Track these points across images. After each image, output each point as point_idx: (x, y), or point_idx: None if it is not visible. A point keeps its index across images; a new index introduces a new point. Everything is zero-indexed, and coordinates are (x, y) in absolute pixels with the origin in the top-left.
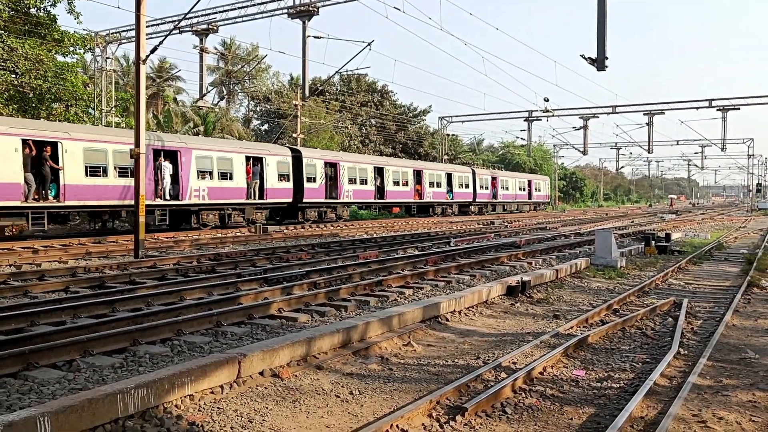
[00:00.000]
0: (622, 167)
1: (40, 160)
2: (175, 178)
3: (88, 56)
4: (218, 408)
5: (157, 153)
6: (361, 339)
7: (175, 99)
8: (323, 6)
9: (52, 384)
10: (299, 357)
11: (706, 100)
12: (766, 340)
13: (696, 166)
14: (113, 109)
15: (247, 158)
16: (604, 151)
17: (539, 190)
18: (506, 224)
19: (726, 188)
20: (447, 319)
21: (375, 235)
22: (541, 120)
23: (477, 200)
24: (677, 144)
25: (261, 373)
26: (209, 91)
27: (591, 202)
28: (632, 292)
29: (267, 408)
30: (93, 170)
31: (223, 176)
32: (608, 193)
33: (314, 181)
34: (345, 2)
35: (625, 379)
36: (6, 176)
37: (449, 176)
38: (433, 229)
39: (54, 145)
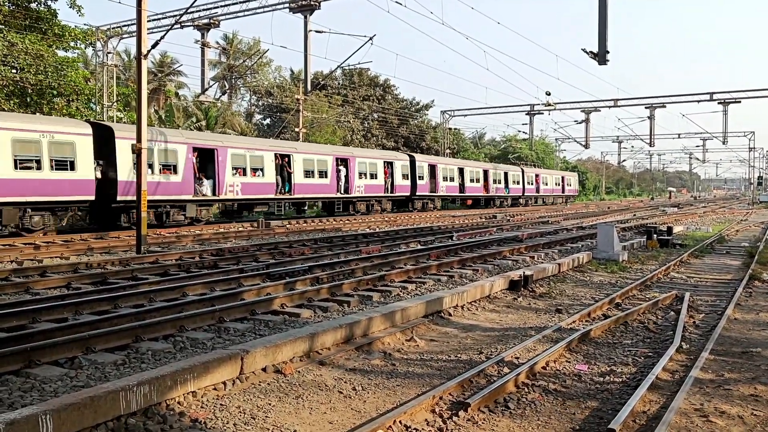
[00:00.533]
0: (623, 161)
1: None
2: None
3: (90, 51)
4: (221, 405)
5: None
6: (364, 334)
7: (176, 94)
8: (325, 0)
9: (54, 381)
10: (302, 353)
11: (707, 93)
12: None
13: (697, 159)
14: (114, 104)
15: (386, 163)
16: (605, 144)
17: (570, 185)
18: (508, 218)
19: (727, 181)
20: (450, 314)
21: (378, 230)
22: (542, 114)
23: (525, 194)
24: (679, 137)
25: (264, 369)
26: (211, 86)
27: (593, 196)
28: (634, 286)
29: (270, 404)
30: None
31: (372, 176)
32: (610, 186)
33: (423, 179)
34: None
35: (628, 374)
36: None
37: (506, 174)
38: (435, 223)
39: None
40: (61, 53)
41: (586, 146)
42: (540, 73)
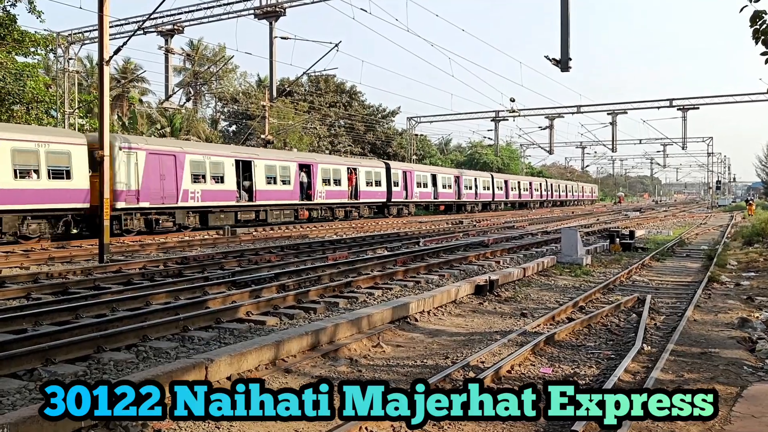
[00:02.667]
0: (587, 166)
1: None
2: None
3: (51, 57)
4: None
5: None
6: (330, 341)
7: (140, 100)
8: (290, 7)
9: (12, 394)
10: (267, 361)
11: (667, 99)
12: (726, 334)
13: (658, 164)
14: (76, 110)
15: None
16: (569, 150)
17: (587, 192)
18: (474, 223)
19: (687, 186)
20: (416, 320)
21: (345, 236)
22: (507, 120)
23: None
24: (640, 143)
25: (228, 378)
26: (175, 92)
27: None
28: (597, 290)
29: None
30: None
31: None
32: None
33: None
34: (312, 3)
35: (591, 376)
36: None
37: (532, 183)
38: (402, 230)
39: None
40: (21, 59)
41: (551, 152)
42: (504, 80)
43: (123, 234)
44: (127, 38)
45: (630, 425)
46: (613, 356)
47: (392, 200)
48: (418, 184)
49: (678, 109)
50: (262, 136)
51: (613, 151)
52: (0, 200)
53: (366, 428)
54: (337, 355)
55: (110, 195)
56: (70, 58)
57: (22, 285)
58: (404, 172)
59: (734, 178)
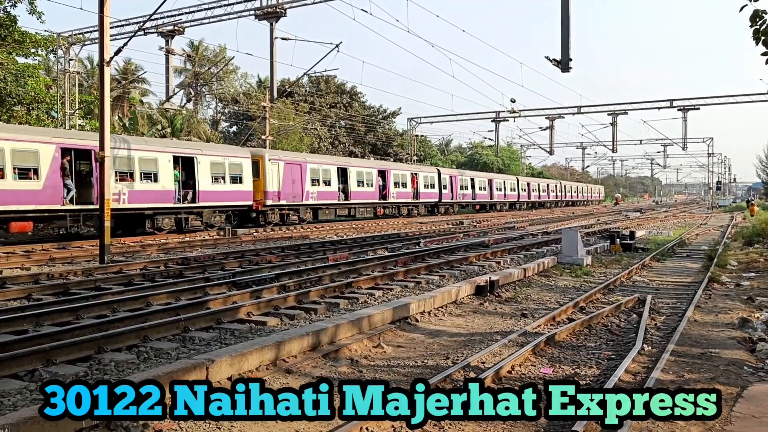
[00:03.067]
0: (587, 166)
1: None
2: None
3: (52, 58)
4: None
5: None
6: (331, 341)
7: (141, 101)
8: (291, 7)
9: (13, 395)
10: (268, 361)
11: (668, 100)
12: (726, 335)
13: (659, 164)
14: (77, 111)
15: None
16: (570, 150)
17: (595, 193)
18: (475, 224)
19: (688, 186)
20: (417, 320)
21: (345, 237)
22: (508, 120)
23: (566, 198)
24: (640, 143)
25: (229, 379)
26: (176, 93)
27: None
28: (598, 290)
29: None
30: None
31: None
32: None
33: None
34: (312, 3)
35: (591, 376)
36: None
37: (549, 185)
38: (403, 230)
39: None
40: (21, 60)
41: (551, 152)
42: (505, 81)
43: (265, 225)
44: (127, 39)
45: (631, 425)
46: (613, 356)
47: (442, 201)
48: (461, 187)
49: (678, 110)
50: (263, 137)
51: (613, 152)
52: (209, 199)
53: (367, 428)
54: (337, 355)
55: (261, 195)
56: (71, 59)
57: (23, 286)
58: (450, 177)
59: (734, 179)
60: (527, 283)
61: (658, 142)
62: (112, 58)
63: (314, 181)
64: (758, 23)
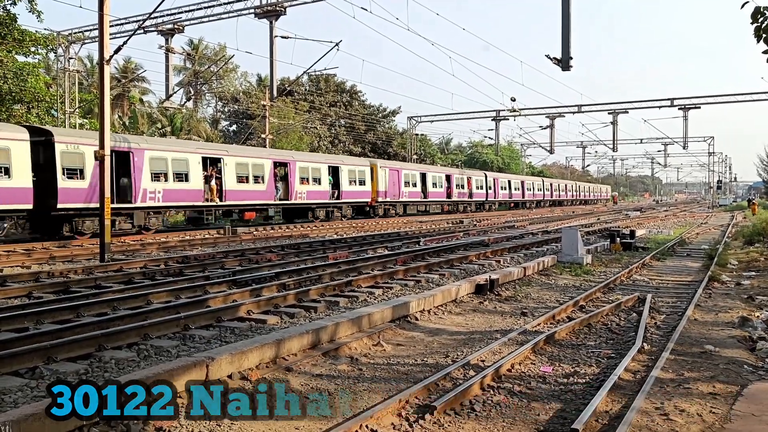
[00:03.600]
0: (588, 165)
1: None
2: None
3: (51, 56)
4: (185, 412)
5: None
6: (331, 340)
7: (141, 100)
8: (290, 6)
9: (14, 392)
10: (268, 359)
11: (668, 99)
12: (726, 333)
13: (659, 164)
14: (76, 110)
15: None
16: (570, 149)
17: (603, 192)
18: (475, 223)
19: (688, 185)
20: (416, 319)
21: (345, 236)
22: (508, 119)
23: (580, 198)
24: (641, 142)
25: (230, 376)
26: (176, 92)
27: None
28: (598, 289)
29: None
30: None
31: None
32: None
33: (491, 189)
34: (312, 2)
35: (591, 374)
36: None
37: (566, 185)
38: (402, 229)
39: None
40: (21, 59)
41: (551, 151)
42: (505, 79)
43: (384, 216)
44: (127, 37)
45: (630, 422)
46: (613, 355)
47: (488, 199)
48: (501, 187)
49: (679, 109)
50: (263, 136)
51: (614, 151)
52: (312, 197)
53: (366, 426)
54: (337, 353)
55: (375, 194)
56: (71, 58)
57: (24, 284)
58: (494, 179)
59: (735, 178)
60: (527, 281)
61: (658, 141)
62: (111, 57)
63: (407, 183)
64: (759, 20)
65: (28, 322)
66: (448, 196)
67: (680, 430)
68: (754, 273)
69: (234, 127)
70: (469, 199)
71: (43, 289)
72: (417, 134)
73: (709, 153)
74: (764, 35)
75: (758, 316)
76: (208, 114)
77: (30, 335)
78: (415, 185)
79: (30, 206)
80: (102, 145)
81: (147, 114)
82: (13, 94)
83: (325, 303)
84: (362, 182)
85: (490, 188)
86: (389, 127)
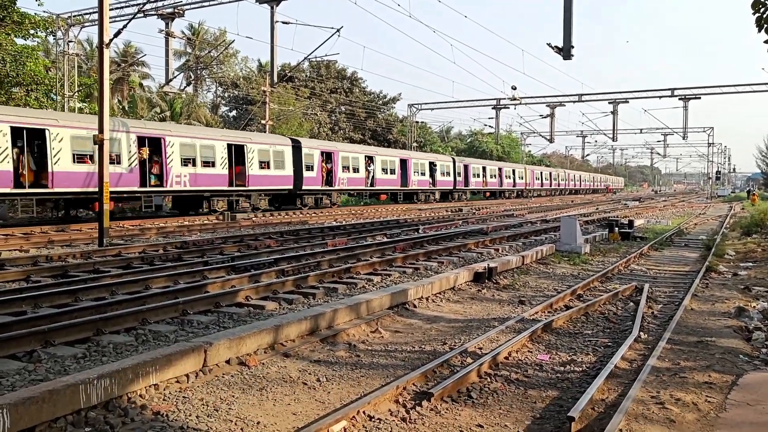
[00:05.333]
0: (587, 155)
1: None
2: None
3: (51, 40)
4: (183, 397)
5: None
6: (329, 326)
7: (140, 84)
8: None
9: (12, 375)
10: (266, 345)
11: (669, 89)
12: (723, 323)
13: (659, 154)
14: (76, 94)
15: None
16: (570, 139)
17: (616, 183)
18: (474, 211)
19: (687, 176)
20: (414, 306)
21: (344, 222)
22: (508, 108)
23: (594, 187)
24: (641, 132)
25: (227, 362)
26: (176, 77)
27: None
28: (596, 278)
29: (233, 396)
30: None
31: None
32: None
33: (522, 178)
34: None
35: (588, 363)
36: None
37: (579, 176)
38: (402, 216)
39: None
40: (20, 42)
41: (551, 140)
42: (506, 68)
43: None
44: (127, 21)
45: (627, 410)
46: (610, 344)
47: (516, 187)
48: (474, 174)
49: (679, 99)
50: (263, 122)
51: (613, 140)
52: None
53: (364, 412)
54: (335, 340)
55: (455, 184)
56: (70, 41)
57: (22, 267)
58: (513, 170)
59: (734, 169)
60: (525, 270)
61: (658, 132)
62: (111, 40)
63: (476, 174)
64: (760, 11)
65: (26, 306)
66: (465, 183)
67: (676, 418)
68: (751, 264)
69: (234, 112)
70: (499, 187)
71: (42, 273)
72: (417, 122)
73: (708, 144)
74: (765, 25)
75: (754, 307)
76: (208, 99)
77: (28, 319)
78: (478, 176)
79: (291, 187)
80: (101, 130)
81: (146, 99)
82: (12, 77)
83: (323, 289)
84: (356, 170)
85: (508, 177)
86: (389, 114)
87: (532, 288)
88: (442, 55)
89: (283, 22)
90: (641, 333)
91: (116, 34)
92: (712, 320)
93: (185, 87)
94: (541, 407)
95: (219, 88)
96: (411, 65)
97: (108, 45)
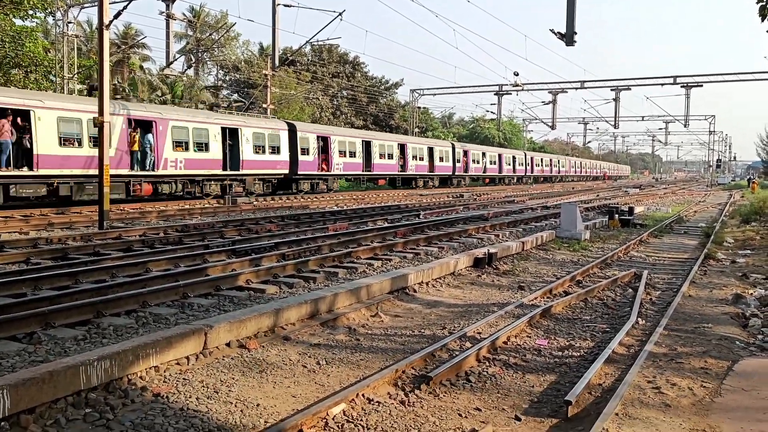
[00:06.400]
0: (589, 142)
1: None
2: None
3: (50, 21)
4: (184, 379)
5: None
6: (329, 310)
7: (141, 67)
8: None
9: (12, 357)
10: (267, 328)
11: (671, 76)
12: (720, 310)
13: (660, 141)
14: (75, 76)
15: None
16: (571, 125)
17: (623, 170)
18: (475, 197)
19: (688, 164)
20: (414, 291)
21: (345, 207)
22: (510, 94)
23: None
24: (642, 120)
25: (228, 345)
26: (176, 59)
27: None
28: (595, 264)
29: (233, 379)
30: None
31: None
32: None
33: (529, 165)
34: None
35: (586, 348)
36: None
37: (581, 162)
38: (403, 202)
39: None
40: (19, 22)
41: (553, 127)
42: (509, 53)
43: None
44: (127, 2)
45: (623, 395)
46: (608, 329)
47: (516, 173)
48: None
49: (681, 86)
50: (264, 106)
51: (615, 128)
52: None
53: (363, 395)
54: (335, 324)
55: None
56: (69, 22)
57: (22, 250)
58: (513, 156)
59: (735, 157)
60: (525, 256)
61: (660, 119)
62: (111, 22)
63: (474, 160)
64: (764, 0)
65: (26, 288)
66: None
67: (671, 403)
68: (749, 251)
69: (235, 96)
70: (503, 174)
71: (42, 255)
72: (419, 107)
73: (709, 132)
74: None
75: (752, 294)
76: (210, 82)
77: (28, 300)
78: (493, 163)
79: (287, 171)
80: (101, 112)
81: (147, 81)
82: (11, 57)
83: (324, 274)
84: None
85: (521, 164)
86: (391, 99)
87: (531, 274)
88: (445, 41)
89: (285, 5)
90: (639, 319)
91: (116, 16)
92: (710, 307)
93: (186, 70)
94: (538, 391)
95: (220, 71)
96: (413, 50)
97: (108, 26)
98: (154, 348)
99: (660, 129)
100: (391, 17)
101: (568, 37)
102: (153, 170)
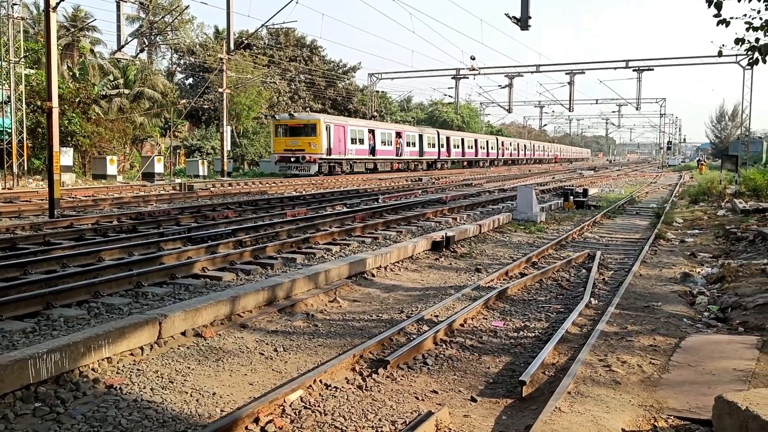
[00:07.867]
0: (545, 125)
1: None
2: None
3: None
4: (138, 370)
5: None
6: (287, 296)
7: (92, 50)
8: None
9: None
10: (223, 316)
11: (623, 60)
12: (669, 289)
13: (613, 124)
14: (22, 60)
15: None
16: (528, 109)
17: (584, 154)
18: (433, 181)
19: (640, 146)
20: (373, 275)
21: (304, 192)
22: (468, 78)
23: (561, 158)
24: (596, 103)
25: (183, 334)
26: (128, 43)
27: None
28: (550, 246)
29: (189, 368)
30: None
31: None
32: None
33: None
34: None
35: (540, 329)
36: None
37: (543, 146)
38: (362, 186)
39: None
40: None
41: (509, 111)
42: (465, 38)
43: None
44: None
45: (576, 374)
46: (562, 310)
47: (498, 157)
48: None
49: (633, 70)
50: (220, 90)
51: (570, 111)
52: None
53: (320, 380)
54: (293, 310)
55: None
56: (15, 3)
57: None
58: (486, 141)
59: (684, 139)
60: (482, 239)
61: (613, 102)
62: (58, 4)
63: (409, 144)
64: None
65: None
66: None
67: (621, 380)
68: (697, 231)
69: (190, 80)
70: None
71: None
72: (377, 91)
73: (660, 114)
74: (714, 0)
75: (699, 272)
76: (163, 66)
77: None
78: (516, 152)
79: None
80: (50, 97)
81: (98, 65)
82: None
83: (281, 260)
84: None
85: (525, 149)
86: (349, 83)
87: (488, 256)
88: (402, 24)
89: None
90: (592, 299)
91: None
92: (659, 286)
93: (139, 53)
94: (494, 372)
95: (174, 55)
96: (371, 34)
97: (55, 8)
98: (107, 339)
99: (613, 112)
100: (347, 1)
101: (523, 22)
102: None
